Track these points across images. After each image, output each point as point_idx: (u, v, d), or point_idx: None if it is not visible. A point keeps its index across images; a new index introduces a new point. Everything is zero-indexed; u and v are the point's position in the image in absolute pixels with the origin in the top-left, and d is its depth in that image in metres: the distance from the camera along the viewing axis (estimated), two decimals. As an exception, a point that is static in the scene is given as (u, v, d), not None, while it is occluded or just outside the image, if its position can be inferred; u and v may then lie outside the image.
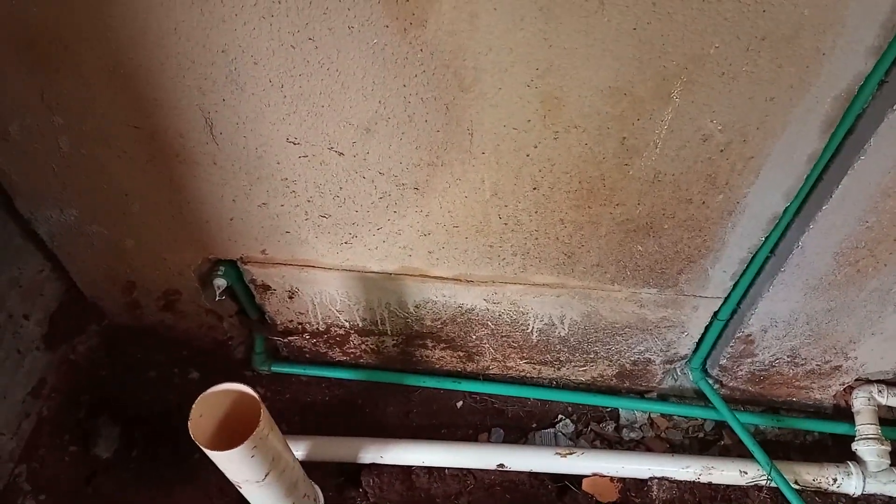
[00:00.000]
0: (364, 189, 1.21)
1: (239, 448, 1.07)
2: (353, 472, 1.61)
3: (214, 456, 1.08)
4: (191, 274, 1.49)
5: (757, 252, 1.22)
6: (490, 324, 1.54)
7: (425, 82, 1.00)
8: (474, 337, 1.60)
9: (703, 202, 1.14)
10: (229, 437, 1.14)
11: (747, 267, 1.26)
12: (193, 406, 1.12)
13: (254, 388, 1.75)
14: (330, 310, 1.57)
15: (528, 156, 1.10)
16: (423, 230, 1.29)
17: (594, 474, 1.54)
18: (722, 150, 1.04)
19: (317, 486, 1.51)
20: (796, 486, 1.48)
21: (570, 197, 1.17)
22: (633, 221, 1.20)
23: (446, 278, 1.41)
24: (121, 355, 1.73)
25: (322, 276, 1.45)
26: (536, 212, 1.21)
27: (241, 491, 1.24)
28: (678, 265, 1.29)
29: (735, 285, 1.32)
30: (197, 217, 1.33)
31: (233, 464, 1.12)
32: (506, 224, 1.25)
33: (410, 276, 1.42)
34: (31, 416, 1.53)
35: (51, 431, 1.57)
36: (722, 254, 1.25)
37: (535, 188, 1.16)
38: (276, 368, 1.78)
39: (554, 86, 0.99)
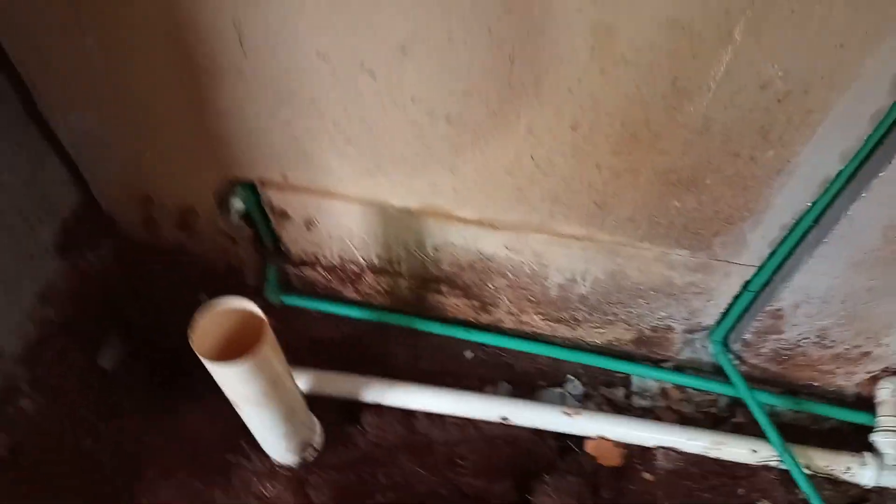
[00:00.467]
0: (394, 116, 1.15)
1: (239, 362, 1.04)
2: (353, 410, 1.58)
3: (214, 369, 1.05)
4: (208, 193, 1.45)
5: (801, 219, 1.15)
6: (509, 274, 1.49)
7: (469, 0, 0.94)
8: (491, 287, 1.55)
9: (752, 157, 1.07)
10: (232, 355, 1.11)
11: (788, 234, 1.20)
12: (196, 316, 1.09)
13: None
14: (346, 244, 1.52)
15: (570, 90, 1.04)
16: (451, 166, 1.23)
17: (599, 437, 1.50)
18: (780, 101, 0.97)
19: (315, 418, 1.49)
20: (808, 471, 1.43)
21: (611, 141, 1.11)
22: (675, 173, 1.14)
23: (470, 220, 1.36)
24: (132, 272, 1.70)
25: (342, 207, 1.40)
26: (572, 155, 1.15)
27: (239, 412, 1.22)
28: (716, 226, 1.22)
29: (772, 254, 1.25)
30: (218, 134, 1.29)
31: (231, 380, 1.10)
32: (538, 166, 1.19)
33: (433, 214, 1.37)
34: (37, 321, 1.51)
35: (56, 337, 1.56)
36: (763, 217, 1.18)
37: (574, 127, 1.10)
38: (287, 300, 1.74)
39: (606, 13, 0.92)
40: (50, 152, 1.44)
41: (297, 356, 1.72)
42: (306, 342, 1.75)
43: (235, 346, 1.16)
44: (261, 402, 1.15)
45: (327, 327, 1.77)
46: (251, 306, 1.11)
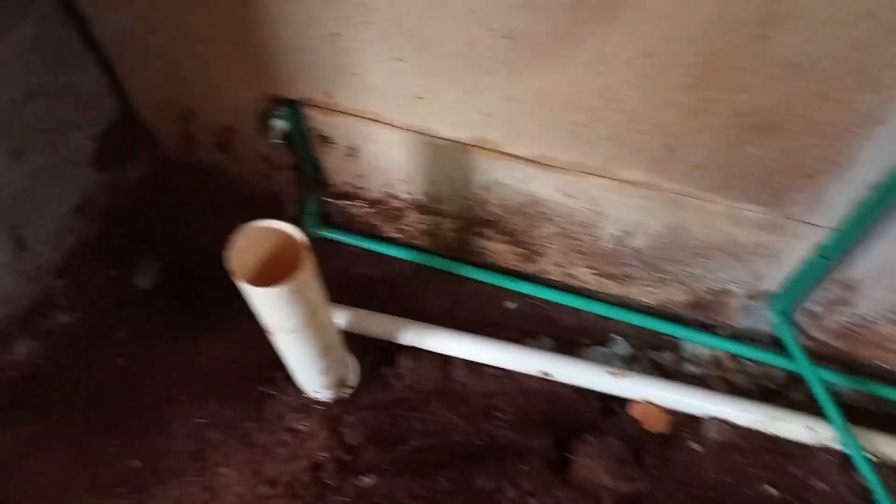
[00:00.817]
0: (450, 31, 1.05)
1: (278, 287, 0.97)
2: (390, 351, 1.52)
3: (250, 292, 0.99)
4: (249, 111, 1.38)
5: (891, 178, 1.02)
6: (560, 221, 1.39)
7: None
8: (540, 234, 1.46)
9: (847, 102, 0.94)
10: (269, 279, 1.04)
11: (874, 195, 1.06)
12: (234, 236, 1.03)
13: (300, 249, 1.67)
14: (390, 176, 1.44)
15: (644, 11, 0.92)
16: (509, 94, 1.13)
17: (645, 401, 1.41)
18: (883, 35, 0.83)
19: (351, 356, 1.43)
20: (871, 457, 1.31)
21: (687, 73, 0.99)
22: (755, 116, 1.01)
23: (523, 158, 1.26)
24: (169, 190, 1.66)
25: (387, 135, 1.32)
26: (642, 88, 1.03)
27: (274, 340, 1.16)
28: (795, 181, 1.10)
29: (854, 217, 1.12)
30: (262, 45, 1.21)
31: (268, 305, 1.04)
32: (603, 98, 1.07)
33: (484, 149, 1.27)
34: (73, 233, 1.49)
35: (91, 252, 1.53)
36: (849, 174, 1.05)
37: (647, 55, 0.98)
38: (325, 233, 1.68)
39: (702, -85, 0.79)
40: (89, 57, 1.39)
41: (334, 292, 1.66)
42: (344, 278, 1.69)
43: (273, 271, 1.10)
44: (297, 332, 1.09)
45: (366, 265, 1.71)
46: (291, 229, 1.04)
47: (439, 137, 1.28)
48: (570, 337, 1.62)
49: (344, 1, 1.06)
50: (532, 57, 1.05)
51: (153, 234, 1.64)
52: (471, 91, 1.15)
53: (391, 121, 1.28)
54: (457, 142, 1.28)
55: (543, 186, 1.31)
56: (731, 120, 1.04)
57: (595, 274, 1.53)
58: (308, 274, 1.04)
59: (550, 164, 1.25)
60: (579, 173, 1.25)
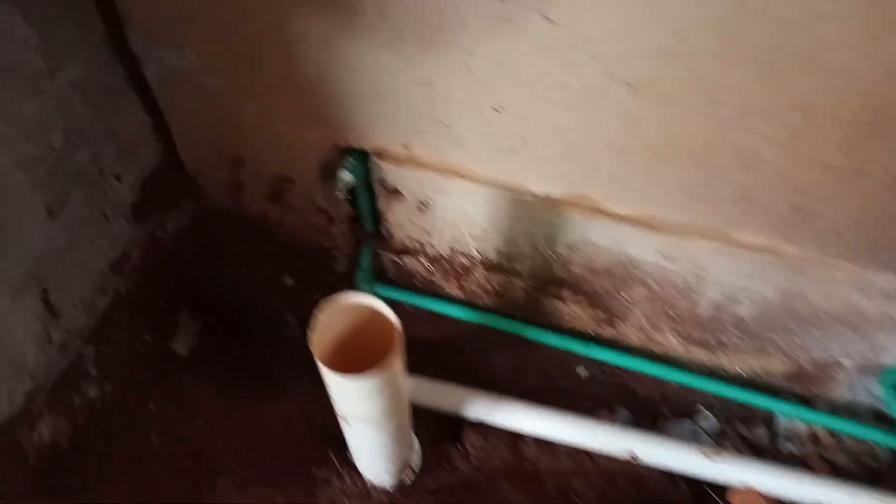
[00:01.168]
0: (563, 75, 0.92)
1: (367, 377, 0.83)
2: (454, 426, 1.37)
3: (334, 381, 0.84)
4: (312, 160, 1.25)
5: None
6: (654, 284, 1.25)
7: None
8: (625, 296, 1.32)
9: None
10: (347, 359, 0.90)
11: None
12: (316, 315, 0.89)
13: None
14: (463, 233, 1.30)
15: (813, 63, 0.79)
16: (619, 145, 1.00)
17: (747, 488, 1.26)
18: None
19: (414, 435, 1.28)
20: None
21: (846, 130, 0.86)
22: (921, 179, 0.88)
23: (623, 217, 1.13)
24: (212, 242, 1.52)
25: (467, 189, 1.18)
26: (788, 146, 0.90)
27: (344, 425, 1.01)
28: (950, 250, 0.96)
29: None
30: (337, 88, 1.08)
31: (351, 394, 0.89)
32: (736, 157, 0.95)
33: (579, 206, 1.14)
34: (107, 293, 1.34)
35: (126, 313, 1.38)
36: None
37: (802, 110, 0.85)
38: (380, 291, 1.54)
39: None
40: (135, 98, 1.26)
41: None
42: (397, 340, 1.54)
43: (350, 349, 0.95)
44: (376, 421, 0.94)
45: (423, 325, 1.56)
46: (384, 309, 0.90)
47: (528, 193, 1.15)
48: (650, 408, 1.47)
49: (446, 46, 0.93)
50: (656, 107, 0.93)
51: (192, 289, 1.49)
52: (575, 144, 1.02)
53: (474, 174, 1.15)
54: (547, 198, 1.14)
55: (642, 248, 1.18)
56: (886, 182, 0.91)
57: (683, 340, 1.39)
58: (400, 362, 0.90)
59: (655, 224, 1.12)
60: (688, 235, 1.11)
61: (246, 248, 1.54)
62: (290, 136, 1.21)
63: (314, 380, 1.41)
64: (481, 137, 1.07)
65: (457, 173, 1.16)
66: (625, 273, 1.25)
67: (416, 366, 1.50)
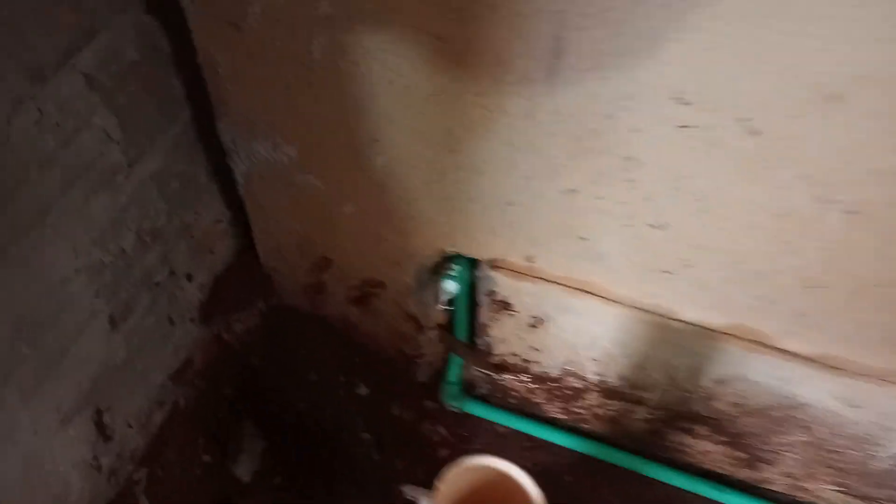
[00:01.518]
0: (758, 197, 0.74)
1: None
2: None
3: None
4: (411, 266, 1.08)
5: None
6: (821, 431, 1.03)
7: None
8: (779, 441, 1.09)
9: None
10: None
11: None
12: (439, 485, 0.69)
13: (434, 426, 1.32)
14: (581, 354, 1.11)
15: None
16: (815, 280, 0.80)
17: None
18: None
19: None
20: None
21: None
22: None
23: (798, 355, 0.92)
24: (280, 345, 1.35)
25: (597, 309, 0.99)
26: None
27: None
28: None
29: None
30: (455, 192, 0.91)
31: None
32: (977, 299, 0.73)
33: (742, 339, 0.93)
34: (164, 406, 1.17)
35: (185, 430, 1.20)
36: None
37: None
38: (468, 407, 1.33)
39: None
40: (215, 191, 1.11)
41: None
42: (487, 466, 1.33)
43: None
44: None
45: (516, 449, 1.35)
46: (526, 481, 0.70)
47: (677, 320, 0.95)
48: (794, 569, 1.22)
49: (606, 153, 0.76)
50: (876, 235, 0.73)
51: (257, 399, 1.31)
52: (754, 273, 0.83)
53: (610, 294, 0.96)
54: (702, 327, 0.94)
55: (814, 390, 0.96)
56: None
57: (842, 493, 1.14)
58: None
59: (839, 366, 0.91)
60: (882, 381, 0.89)
61: (318, 350, 1.36)
62: (391, 241, 1.04)
63: (390, 510, 1.22)
64: (628, 256, 0.89)
65: (587, 291, 0.98)
66: (784, 416, 1.03)
67: (512, 501, 1.28)
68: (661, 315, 0.96)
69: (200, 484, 1.19)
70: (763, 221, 0.77)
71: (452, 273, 1.04)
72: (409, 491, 1.25)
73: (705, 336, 0.96)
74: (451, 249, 1.01)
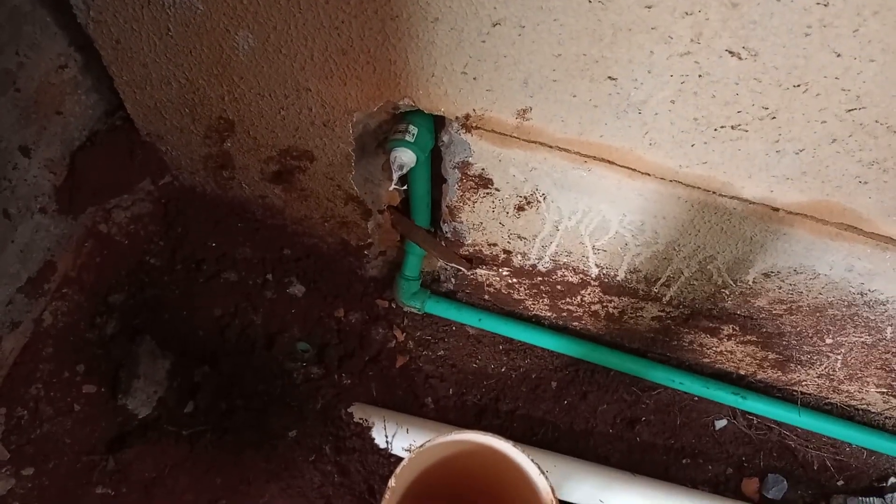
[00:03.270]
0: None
1: None
2: None
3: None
4: (346, 128, 0.75)
5: None
6: (888, 331, 0.79)
7: None
8: (827, 341, 0.86)
9: None
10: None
11: None
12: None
13: (387, 330, 1.06)
14: (583, 245, 0.83)
15: None
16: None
17: None
18: None
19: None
20: None
21: None
22: None
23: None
24: (183, 238, 1.03)
25: (616, 185, 0.70)
26: None
27: None
28: None
29: None
30: (413, 2, 0.57)
31: None
32: None
33: (821, 222, 0.66)
34: (20, 328, 0.86)
35: (54, 356, 0.90)
36: None
37: None
38: (431, 308, 1.07)
39: None
40: (41, 15, 0.73)
41: (442, 399, 1.06)
42: (456, 376, 1.09)
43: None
44: None
45: (492, 354, 1.11)
46: (523, 461, 0.44)
47: (732, 196, 0.66)
48: (817, 476, 1.05)
49: None
50: None
51: (157, 310, 1.00)
52: (873, 122, 0.53)
53: (640, 163, 0.66)
54: (764, 205, 0.66)
55: (902, 286, 0.71)
56: None
57: (887, 395, 0.94)
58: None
59: (953, 256, 0.64)
60: None
61: (236, 243, 1.04)
62: (314, 91, 0.70)
63: (338, 448, 0.97)
64: (679, 104, 0.58)
65: (605, 159, 0.68)
66: (848, 314, 0.79)
67: (480, 411, 1.05)
68: (708, 191, 0.67)
69: (82, 424, 0.90)
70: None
71: (407, 137, 0.72)
72: (358, 412, 1.00)
73: (767, 218, 0.68)
74: (405, 102, 0.69)
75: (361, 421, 0.98)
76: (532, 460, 0.57)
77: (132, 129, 0.89)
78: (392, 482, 0.51)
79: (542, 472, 0.56)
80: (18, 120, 0.75)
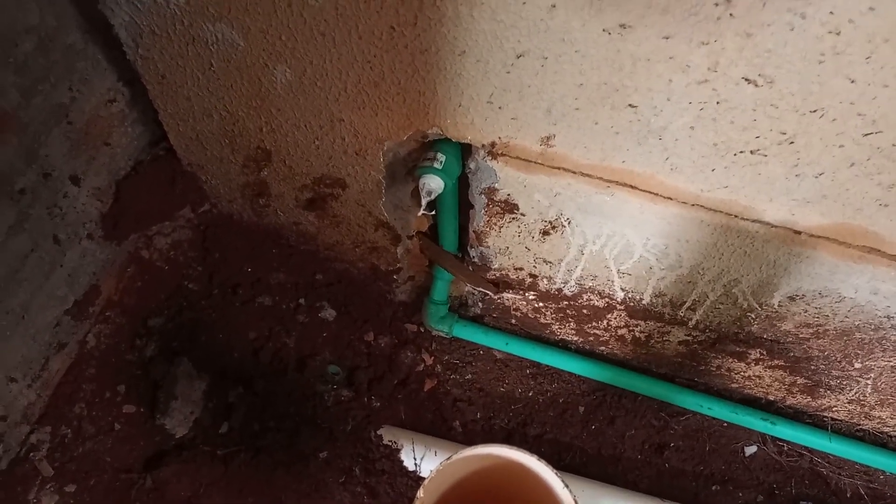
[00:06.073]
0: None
1: None
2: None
3: None
4: (378, 157, 0.78)
5: None
6: (918, 355, 0.79)
7: None
8: (856, 366, 0.85)
9: None
10: None
11: None
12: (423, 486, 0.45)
13: (416, 354, 1.07)
14: (608, 269, 0.84)
15: None
16: None
17: None
18: None
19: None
20: None
21: None
22: None
23: (922, 265, 0.66)
24: (220, 263, 1.07)
25: (639, 210, 0.71)
26: None
27: None
28: None
29: None
30: (442, 38, 0.60)
31: None
32: None
33: (844, 245, 0.67)
34: (66, 349, 0.89)
35: (97, 376, 0.94)
36: None
37: None
38: (459, 332, 1.08)
39: None
40: (97, 55, 0.79)
41: (470, 423, 1.07)
42: (484, 400, 1.10)
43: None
44: None
45: (519, 379, 1.12)
46: (543, 471, 0.45)
47: (754, 220, 0.67)
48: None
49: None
50: None
51: (195, 332, 1.04)
52: (891, 146, 0.55)
53: (662, 188, 0.68)
54: (787, 229, 0.67)
55: (929, 309, 0.71)
56: None
57: (921, 422, 0.93)
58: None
59: (979, 278, 0.65)
60: None
61: (270, 268, 1.08)
62: (348, 121, 0.74)
63: (368, 470, 0.99)
64: (698, 130, 0.60)
65: (628, 184, 0.69)
66: (875, 337, 0.79)
67: (509, 434, 1.06)
68: (730, 214, 0.69)
69: (122, 443, 0.93)
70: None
71: (436, 164, 0.75)
72: (388, 434, 1.02)
73: (789, 241, 0.69)
74: (433, 131, 0.72)
75: (391, 443, 1.00)
76: (556, 473, 0.58)
77: (174, 159, 0.93)
78: (420, 493, 0.53)
79: (566, 486, 0.57)
80: (70, 151, 0.80)
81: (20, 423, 0.85)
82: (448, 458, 0.57)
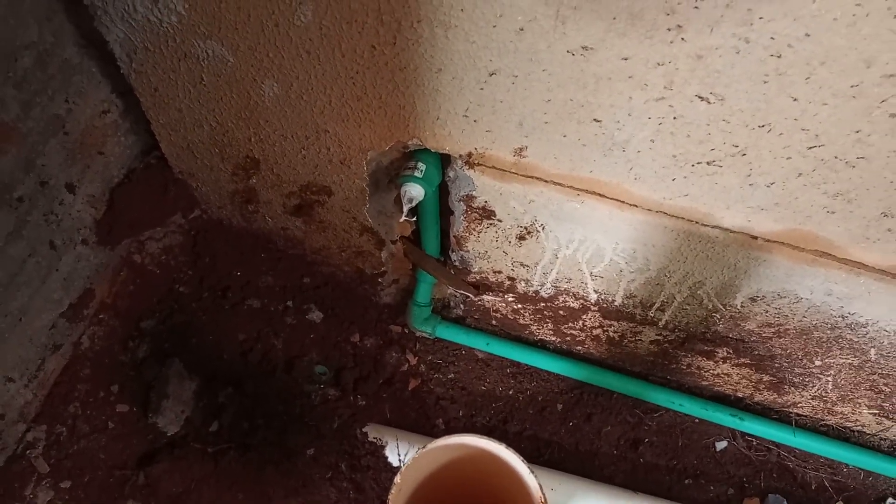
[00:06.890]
0: (865, 45, 0.49)
1: None
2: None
3: None
4: (361, 166, 0.82)
5: None
6: (873, 353, 0.84)
7: None
8: (816, 363, 0.90)
9: None
10: None
11: None
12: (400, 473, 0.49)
13: (401, 354, 1.11)
14: (581, 272, 0.88)
15: None
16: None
17: None
18: None
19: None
20: None
21: None
22: None
23: (869, 268, 0.71)
24: (210, 267, 1.10)
25: (608, 216, 0.76)
26: None
27: None
28: None
29: None
30: (420, 57, 0.64)
31: None
32: None
33: (797, 249, 0.71)
34: (61, 350, 0.93)
35: (91, 377, 0.97)
36: None
37: None
38: (442, 333, 1.12)
39: None
40: (91, 69, 0.82)
41: (452, 420, 1.11)
42: (465, 398, 1.14)
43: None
44: None
45: (499, 378, 1.16)
46: (512, 459, 0.50)
47: (713, 226, 0.72)
48: (815, 497, 1.08)
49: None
50: None
51: (186, 334, 1.07)
52: (833, 159, 0.59)
53: (628, 196, 0.72)
54: (744, 234, 0.72)
55: (879, 308, 0.76)
56: None
57: (880, 416, 0.98)
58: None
59: (922, 280, 0.69)
60: (974, 298, 0.69)
61: (259, 272, 1.11)
62: (332, 133, 0.78)
63: (353, 466, 1.03)
64: (658, 142, 0.64)
65: (596, 192, 0.74)
66: (832, 336, 0.84)
67: (490, 430, 1.10)
68: (692, 221, 0.73)
69: (115, 440, 0.96)
70: (866, 85, 0.53)
71: (416, 173, 0.79)
72: (373, 432, 1.06)
73: (747, 245, 0.74)
74: (413, 142, 0.76)
75: (375, 440, 1.04)
76: (523, 461, 0.62)
77: (166, 168, 0.97)
78: (397, 479, 0.56)
79: (532, 472, 0.61)
80: (66, 160, 0.84)
81: (17, 421, 0.88)
82: (424, 447, 0.61)
